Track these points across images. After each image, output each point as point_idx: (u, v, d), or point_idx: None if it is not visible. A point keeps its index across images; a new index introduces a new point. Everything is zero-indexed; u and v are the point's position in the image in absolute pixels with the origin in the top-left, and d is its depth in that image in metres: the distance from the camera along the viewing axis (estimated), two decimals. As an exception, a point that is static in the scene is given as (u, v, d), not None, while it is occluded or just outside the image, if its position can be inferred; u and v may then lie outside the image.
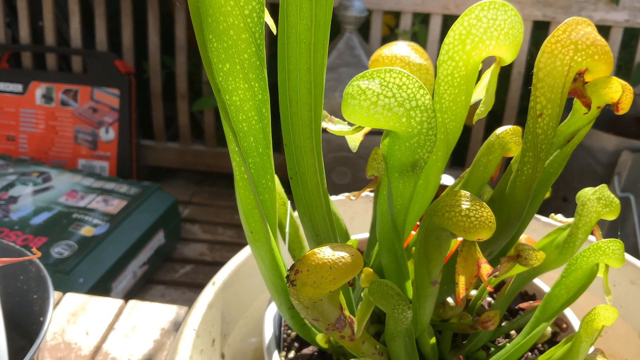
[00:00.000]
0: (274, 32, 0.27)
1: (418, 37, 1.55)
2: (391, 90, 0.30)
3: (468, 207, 0.29)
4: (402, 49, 0.44)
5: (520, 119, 1.63)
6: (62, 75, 1.65)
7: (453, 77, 0.31)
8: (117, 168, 1.61)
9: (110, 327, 0.69)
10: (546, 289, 0.49)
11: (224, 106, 0.26)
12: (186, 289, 1.39)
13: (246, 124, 0.27)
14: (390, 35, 1.63)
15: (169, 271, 1.42)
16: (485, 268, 0.31)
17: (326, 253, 0.27)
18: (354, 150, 0.38)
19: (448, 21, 1.62)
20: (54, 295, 0.56)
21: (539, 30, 1.58)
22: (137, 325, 0.69)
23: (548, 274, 0.48)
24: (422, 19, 1.58)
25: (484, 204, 0.29)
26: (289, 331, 0.45)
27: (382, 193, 0.33)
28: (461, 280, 0.30)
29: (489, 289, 0.32)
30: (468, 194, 0.30)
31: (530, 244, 0.40)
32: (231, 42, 0.25)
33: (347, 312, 0.30)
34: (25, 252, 0.60)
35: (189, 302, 1.35)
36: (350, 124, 0.34)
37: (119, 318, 0.70)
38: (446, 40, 0.31)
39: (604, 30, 1.55)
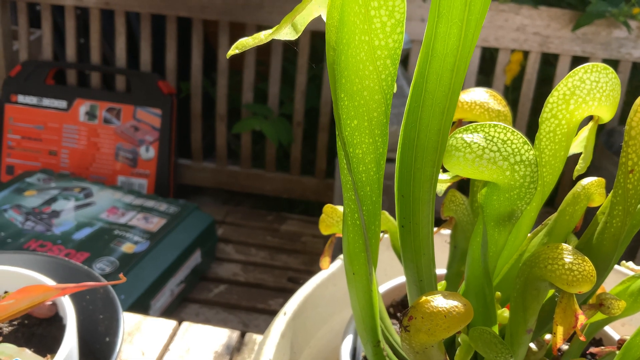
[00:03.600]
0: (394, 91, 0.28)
1: (456, 68, 1.57)
2: (496, 145, 0.31)
3: (571, 260, 0.30)
4: (480, 95, 0.45)
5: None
6: (106, 93, 1.69)
7: (555, 134, 0.33)
8: (155, 186, 1.65)
9: (165, 348, 0.70)
10: (613, 334, 0.49)
11: (348, 158, 0.28)
12: (220, 308, 1.40)
13: (365, 174, 0.29)
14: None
15: (203, 290, 1.44)
16: (581, 319, 0.32)
17: (440, 302, 0.28)
18: (440, 195, 0.40)
19: (486, 53, 1.64)
20: (123, 316, 0.58)
21: (577, 65, 1.58)
22: (191, 348, 0.71)
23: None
24: (461, 50, 1.60)
25: (586, 258, 0.31)
26: (364, 366, 0.46)
27: (476, 240, 0.35)
28: (559, 331, 0.31)
29: (582, 339, 0.33)
30: (570, 247, 0.31)
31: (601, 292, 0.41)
32: (363, 102, 0.26)
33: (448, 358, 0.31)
34: (95, 274, 0.62)
35: (223, 323, 1.36)
36: (444, 171, 0.36)
37: (174, 339, 0.71)
38: (550, 99, 0.33)
39: (642, 67, 1.55)
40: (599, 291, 0.42)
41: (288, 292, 1.47)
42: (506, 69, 1.55)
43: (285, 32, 0.25)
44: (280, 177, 1.77)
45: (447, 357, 0.31)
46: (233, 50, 0.24)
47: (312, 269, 1.55)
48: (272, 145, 1.72)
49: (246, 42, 0.25)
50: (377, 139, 0.28)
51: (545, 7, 1.47)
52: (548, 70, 1.63)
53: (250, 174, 1.77)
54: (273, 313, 1.40)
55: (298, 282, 1.50)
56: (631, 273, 0.45)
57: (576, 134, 0.35)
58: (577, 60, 1.56)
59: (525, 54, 1.55)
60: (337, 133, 0.28)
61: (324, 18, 0.27)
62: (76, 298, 0.61)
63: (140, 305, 1.21)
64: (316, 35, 1.66)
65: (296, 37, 0.26)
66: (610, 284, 0.46)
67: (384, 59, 0.25)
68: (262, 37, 0.25)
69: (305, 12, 0.26)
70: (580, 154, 0.35)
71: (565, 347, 0.46)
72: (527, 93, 1.57)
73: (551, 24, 1.48)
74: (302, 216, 1.76)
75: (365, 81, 0.26)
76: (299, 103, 1.69)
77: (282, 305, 1.60)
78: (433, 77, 0.25)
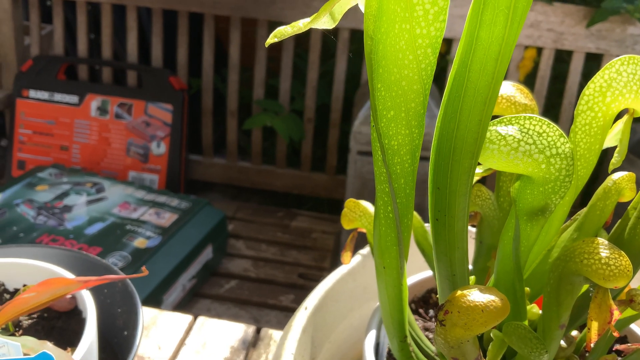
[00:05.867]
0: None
1: (469, 64, 1.56)
2: (532, 137, 0.31)
3: (607, 255, 0.30)
4: (507, 88, 0.45)
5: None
6: (118, 89, 1.69)
7: (590, 127, 0.32)
8: (166, 181, 1.65)
9: (182, 343, 0.70)
10: (638, 331, 0.49)
11: (383, 150, 0.28)
12: (231, 304, 1.40)
13: (400, 167, 0.28)
14: (440, 61, 1.64)
15: (214, 286, 1.44)
16: (616, 315, 0.31)
17: (476, 296, 0.28)
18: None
19: (499, 49, 1.63)
20: (142, 311, 0.58)
21: (590, 62, 1.57)
22: (207, 342, 0.71)
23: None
24: (473, 47, 1.59)
25: (622, 252, 0.30)
26: (387, 361, 0.45)
27: (507, 234, 0.34)
28: (594, 326, 0.31)
29: (616, 334, 0.32)
30: (606, 242, 0.30)
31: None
32: (401, 92, 0.26)
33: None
34: (113, 268, 0.62)
35: (235, 318, 1.36)
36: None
37: (190, 334, 0.71)
38: (586, 91, 0.32)
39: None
40: (627, 288, 0.42)
41: (299, 288, 1.47)
42: (519, 66, 1.54)
43: (324, 21, 0.25)
44: (290, 174, 1.76)
45: (481, 353, 0.30)
46: (272, 39, 0.24)
47: (323, 265, 1.55)
48: (282, 142, 1.72)
49: (284, 31, 0.24)
50: (414, 130, 0.28)
51: (559, 4, 1.46)
52: (561, 67, 1.62)
53: (261, 170, 1.77)
54: (284, 309, 1.40)
55: (309, 278, 1.50)
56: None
57: (611, 127, 0.34)
58: (590, 57, 1.55)
59: (539, 50, 1.54)
60: (371, 124, 0.28)
61: (362, 7, 0.26)
62: (94, 292, 0.61)
63: (153, 300, 1.21)
64: (326, 33, 1.65)
65: (334, 25, 0.25)
66: (635, 283, 0.46)
67: (424, 47, 0.25)
68: (300, 25, 0.24)
69: (343, 1, 0.26)
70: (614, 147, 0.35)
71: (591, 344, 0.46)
72: (541, 90, 1.56)
73: (565, 21, 1.47)
74: (312, 212, 1.76)
75: (404, 71, 0.26)
76: (310, 99, 1.69)
77: (293, 301, 1.59)
78: (476, 66, 0.24)
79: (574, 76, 1.54)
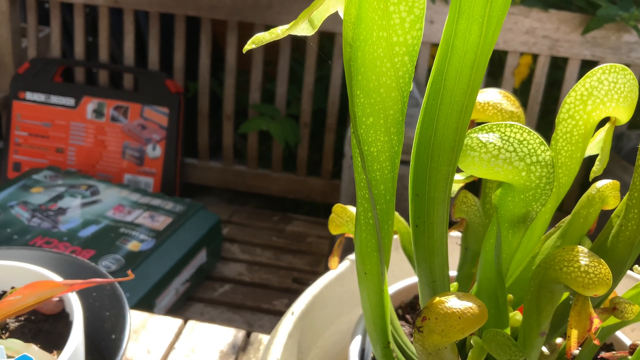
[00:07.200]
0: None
1: (465, 70, 1.56)
2: (512, 145, 0.31)
3: (587, 263, 0.30)
4: (494, 95, 0.45)
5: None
6: (114, 91, 1.69)
7: (572, 135, 0.32)
8: (161, 184, 1.65)
9: (171, 347, 0.70)
10: (624, 338, 0.49)
11: (362, 156, 0.28)
12: (225, 308, 1.40)
13: (379, 173, 0.29)
14: (436, 67, 1.64)
15: (208, 290, 1.44)
16: (596, 323, 0.31)
17: (454, 303, 0.28)
18: (452, 195, 0.39)
19: (495, 56, 1.64)
20: (130, 314, 0.58)
21: (586, 69, 1.58)
22: (196, 346, 0.70)
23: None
24: (469, 53, 1.60)
25: (602, 260, 0.30)
26: (372, 367, 0.45)
27: (489, 241, 0.34)
28: (574, 334, 0.31)
29: (596, 343, 0.32)
30: (585, 249, 0.30)
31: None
32: (379, 99, 0.26)
33: None
34: (102, 271, 0.62)
35: (228, 322, 1.36)
36: (459, 171, 0.36)
37: (179, 338, 0.71)
38: (567, 99, 0.32)
39: (652, 71, 1.54)
40: (611, 296, 0.42)
41: (293, 293, 1.46)
42: (515, 72, 1.54)
43: (302, 28, 0.25)
44: (286, 178, 1.77)
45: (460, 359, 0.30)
46: (250, 45, 0.24)
47: (318, 270, 1.55)
48: (278, 146, 1.72)
49: (263, 37, 0.24)
50: (393, 137, 0.28)
51: (555, 11, 1.47)
52: (557, 74, 1.62)
53: (257, 174, 1.77)
54: (278, 313, 1.40)
55: (303, 283, 1.50)
56: (644, 278, 0.44)
57: (592, 135, 0.34)
58: (586, 64, 1.56)
59: (535, 57, 1.55)
60: (352, 130, 0.28)
61: (341, 14, 0.27)
62: (82, 295, 0.61)
63: (145, 304, 1.21)
64: (324, 36, 1.66)
65: (313, 32, 0.26)
66: (621, 290, 0.46)
67: (402, 55, 0.25)
68: (279, 32, 0.24)
69: (322, 8, 0.26)
70: (596, 155, 0.35)
71: (576, 351, 0.46)
72: (536, 96, 1.57)
73: (561, 28, 1.48)
74: (308, 217, 1.76)
75: (382, 78, 0.26)
76: (306, 104, 1.69)
77: (287, 305, 1.59)
78: (452, 74, 0.24)
79: (569, 83, 1.54)
